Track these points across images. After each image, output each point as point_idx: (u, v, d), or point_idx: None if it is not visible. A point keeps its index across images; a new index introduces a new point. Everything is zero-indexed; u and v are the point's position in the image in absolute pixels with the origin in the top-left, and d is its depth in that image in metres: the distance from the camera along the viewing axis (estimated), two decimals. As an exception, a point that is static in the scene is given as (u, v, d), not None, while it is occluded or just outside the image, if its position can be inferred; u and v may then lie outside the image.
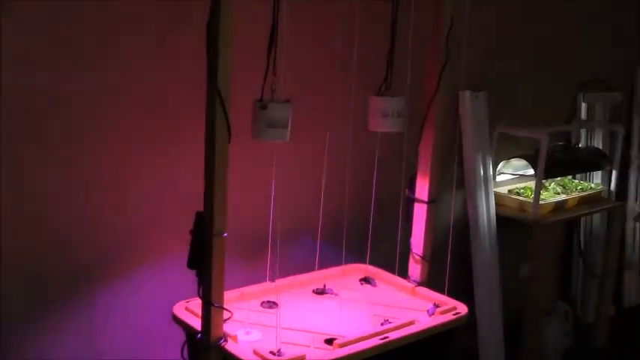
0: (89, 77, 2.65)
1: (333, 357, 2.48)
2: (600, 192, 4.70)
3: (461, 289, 3.74)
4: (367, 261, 3.30)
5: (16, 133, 2.50)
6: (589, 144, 5.06)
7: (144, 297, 2.94)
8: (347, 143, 3.11)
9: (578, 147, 4.91)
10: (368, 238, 3.26)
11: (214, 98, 2.30)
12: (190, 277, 2.52)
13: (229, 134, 2.34)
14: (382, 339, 2.62)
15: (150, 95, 2.82)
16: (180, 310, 2.72)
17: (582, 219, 5.08)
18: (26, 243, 2.60)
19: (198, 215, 2.42)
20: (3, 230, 2.53)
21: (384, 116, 2.93)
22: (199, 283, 2.45)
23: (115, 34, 2.69)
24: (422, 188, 3.13)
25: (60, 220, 2.68)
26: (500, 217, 4.18)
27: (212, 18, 2.28)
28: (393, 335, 2.66)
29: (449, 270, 3.29)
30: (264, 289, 2.98)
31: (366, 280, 3.23)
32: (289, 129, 2.53)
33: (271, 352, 2.45)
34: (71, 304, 2.75)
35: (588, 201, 4.55)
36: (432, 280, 3.19)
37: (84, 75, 2.64)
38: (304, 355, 2.44)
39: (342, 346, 2.53)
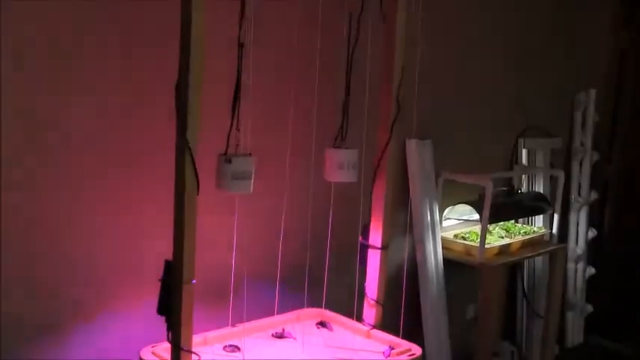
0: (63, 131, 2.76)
1: (296, 398, 2.60)
2: (542, 235, 4.86)
3: (414, 331, 3.90)
4: (323, 305, 3.40)
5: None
6: (531, 188, 5.24)
7: (111, 342, 3.00)
8: (306, 193, 3.24)
9: (521, 192, 5.08)
10: (324, 284, 3.36)
11: (184, 152, 2.43)
12: (154, 322, 2.63)
13: (198, 186, 2.46)
14: (340, 380, 2.74)
15: (119, 148, 2.92)
16: (147, 354, 2.80)
17: (526, 261, 5.23)
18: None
19: (167, 264, 2.52)
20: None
21: (340, 168, 3.07)
22: (168, 328, 2.54)
23: (83, 94, 2.80)
24: (375, 235, 3.25)
25: (28, 266, 2.74)
26: (447, 261, 4.31)
27: (180, 78, 2.42)
28: (351, 377, 2.78)
29: (403, 313, 3.42)
30: (226, 333, 3.06)
31: (322, 324, 3.33)
32: (252, 181, 2.66)
33: (237, 394, 2.56)
34: (40, 351, 2.81)
35: (531, 244, 4.71)
36: (386, 323, 3.30)
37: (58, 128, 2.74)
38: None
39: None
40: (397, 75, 3.17)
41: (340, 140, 3.16)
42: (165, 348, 2.73)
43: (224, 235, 2.92)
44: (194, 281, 2.50)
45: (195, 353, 2.58)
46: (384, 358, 2.99)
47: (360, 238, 3.31)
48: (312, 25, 3.07)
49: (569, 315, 5.69)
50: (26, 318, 2.76)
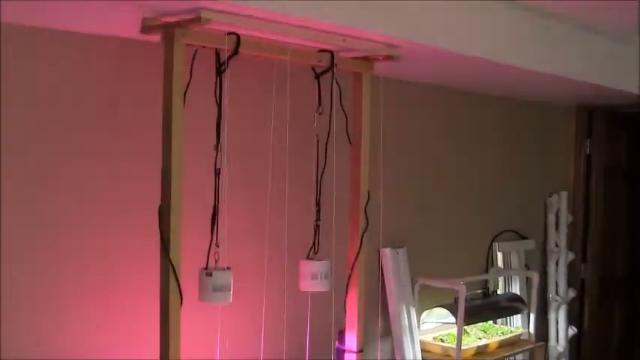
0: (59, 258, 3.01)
1: None
2: (520, 335, 5.07)
3: None
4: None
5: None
6: (508, 289, 5.46)
7: None
8: (282, 302, 3.48)
9: (497, 293, 5.30)
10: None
11: (167, 270, 2.70)
12: None
13: (181, 300, 2.73)
14: None
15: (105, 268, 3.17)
16: None
17: (506, 360, 5.43)
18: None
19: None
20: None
21: (313, 278, 3.32)
22: None
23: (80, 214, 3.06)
24: (350, 339, 3.48)
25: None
26: (426, 362, 4.54)
27: (163, 202, 2.72)
28: None
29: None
30: None
31: None
32: (231, 292, 2.90)
33: None
34: None
35: (509, 344, 4.91)
36: None
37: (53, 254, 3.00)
38: None
39: None
40: (363, 194, 3.47)
41: (313, 254, 3.41)
42: None
43: (206, 345, 3.14)
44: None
45: None
46: None
47: (336, 343, 3.54)
48: (281, 149, 3.35)
49: (553, 413, 5.87)
50: None
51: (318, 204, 3.40)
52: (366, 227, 3.45)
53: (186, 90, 2.78)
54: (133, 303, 3.21)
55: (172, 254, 2.71)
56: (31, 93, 2.90)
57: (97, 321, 3.13)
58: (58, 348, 3.02)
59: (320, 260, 3.36)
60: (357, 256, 3.44)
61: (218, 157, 2.92)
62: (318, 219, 3.41)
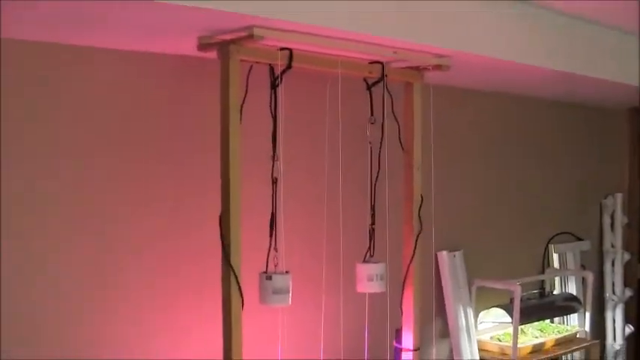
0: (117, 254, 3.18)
1: None
2: (576, 333, 5.14)
3: None
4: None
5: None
6: (563, 289, 5.54)
7: None
8: (338, 304, 3.60)
9: (553, 293, 5.38)
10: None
11: (229, 274, 2.84)
12: None
13: (242, 301, 2.87)
14: None
15: (170, 266, 3.32)
16: None
17: (563, 358, 5.50)
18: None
19: (219, 372, 2.92)
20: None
21: (369, 280, 3.44)
22: None
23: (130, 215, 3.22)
24: (407, 338, 3.61)
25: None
26: (484, 362, 4.65)
27: (223, 210, 2.86)
28: None
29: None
30: None
31: (367, 423, 3.66)
32: (290, 294, 3.03)
33: None
34: None
35: (565, 342, 5.00)
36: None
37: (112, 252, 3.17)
38: None
39: None
40: (417, 199, 3.59)
41: (369, 257, 3.53)
42: None
43: (268, 347, 3.29)
44: (244, 385, 2.87)
45: None
46: None
47: (394, 342, 3.65)
48: (336, 158, 3.47)
49: (613, 409, 5.92)
50: None
51: (372, 208, 3.52)
52: (420, 230, 3.57)
53: (243, 103, 2.91)
54: (196, 305, 3.37)
55: (233, 259, 2.85)
56: (99, 110, 3.09)
57: (160, 322, 3.29)
58: (120, 350, 3.18)
59: (376, 263, 3.47)
60: (411, 258, 3.56)
61: (275, 166, 3.05)
62: (373, 223, 3.52)
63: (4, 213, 2.81)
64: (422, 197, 3.58)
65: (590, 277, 5.25)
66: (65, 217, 2.99)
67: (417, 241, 3.57)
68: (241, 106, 2.89)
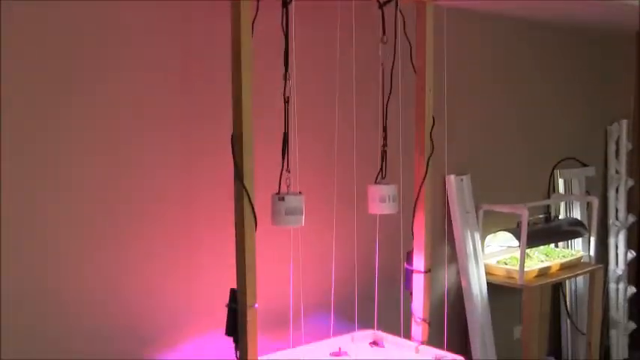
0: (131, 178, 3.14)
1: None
2: (580, 257, 5.16)
3: (459, 346, 4.22)
4: (375, 327, 3.74)
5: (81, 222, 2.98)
6: (568, 215, 5.55)
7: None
8: (351, 226, 3.60)
9: (558, 218, 5.40)
10: (375, 307, 3.70)
11: (242, 194, 2.82)
12: (223, 347, 3.02)
13: (256, 223, 2.85)
14: (393, 387, 3.09)
15: (183, 190, 3.28)
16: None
17: (567, 282, 5.53)
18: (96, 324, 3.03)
19: (233, 291, 2.90)
20: (85, 314, 2.99)
21: (382, 201, 3.43)
22: (236, 347, 2.90)
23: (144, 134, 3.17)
24: (418, 260, 3.60)
25: (122, 305, 3.10)
26: (491, 285, 4.66)
27: (236, 130, 2.82)
28: (403, 384, 3.13)
29: (447, 330, 3.75)
30: (288, 354, 3.39)
31: (375, 343, 3.67)
32: (303, 215, 3.01)
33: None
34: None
35: (570, 266, 5.02)
36: (432, 340, 3.61)
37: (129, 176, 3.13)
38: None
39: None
40: (428, 120, 3.54)
41: (381, 178, 3.52)
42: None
43: (281, 267, 3.29)
44: (256, 305, 2.86)
45: (262, 368, 2.95)
46: (431, 369, 3.33)
47: (404, 264, 3.65)
48: (349, 80, 3.44)
49: (613, 332, 5.96)
50: (102, 345, 3.07)
51: (384, 130, 3.49)
52: (432, 151, 3.53)
53: (254, 21, 2.83)
54: (209, 232, 3.36)
55: (246, 180, 2.81)
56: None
57: (174, 252, 3.27)
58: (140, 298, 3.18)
59: (387, 184, 3.46)
60: (423, 180, 3.53)
61: (287, 86, 3.00)
62: (385, 144, 3.50)
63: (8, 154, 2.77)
64: (433, 119, 3.54)
65: (596, 203, 5.25)
66: (75, 141, 2.95)
67: (428, 163, 3.54)
68: (252, 23, 2.82)
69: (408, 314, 3.66)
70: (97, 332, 3.03)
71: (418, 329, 3.62)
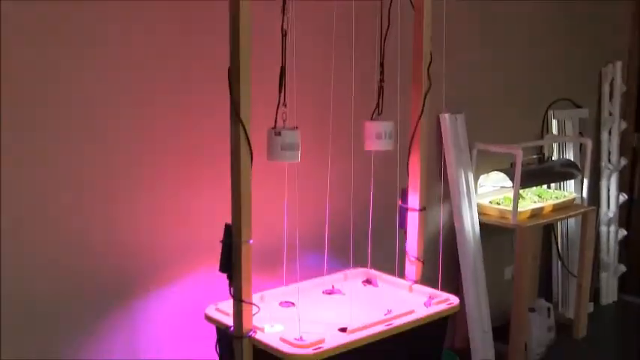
0: (121, 108, 3.08)
1: (348, 341, 2.90)
2: (573, 199, 5.14)
3: (451, 285, 4.21)
4: (368, 265, 3.72)
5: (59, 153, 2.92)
6: (562, 156, 5.52)
7: (178, 302, 3.34)
8: (348, 164, 3.56)
9: (552, 159, 5.38)
10: (368, 245, 3.68)
11: (238, 128, 2.76)
12: (216, 284, 3.00)
13: (251, 157, 2.80)
14: (387, 325, 3.05)
15: (175, 125, 3.23)
16: (211, 311, 3.15)
17: (559, 224, 5.53)
18: (87, 260, 3.02)
19: (227, 226, 2.85)
20: (72, 252, 2.96)
21: (378, 138, 3.38)
22: (230, 284, 2.86)
23: (141, 69, 3.11)
24: (413, 198, 3.57)
25: (107, 239, 3.07)
26: (483, 225, 4.64)
27: (232, 64, 2.75)
28: (397, 322, 3.09)
29: (441, 269, 3.74)
30: (281, 291, 3.39)
31: (368, 282, 3.65)
32: (300, 151, 2.96)
33: (295, 339, 2.87)
34: (116, 311, 3.14)
35: (563, 207, 5.00)
36: (425, 279, 3.60)
37: (117, 108, 3.07)
38: (324, 339, 2.87)
39: (354, 332, 2.96)
40: (426, 56, 3.47)
41: (377, 115, 3.47)
42: (227, 305, 3.06)
43: (276, 205, 3.25)
44: (251, 241, 2.81)
45: (255, 305, 2.91)
46: (425, 307, 3.30)
47: (399, 202, 3.62)
48: (347, 15, 3.37)
49: (604, 275, 5.98)
50: (104, 280, 3.09)
51: (382, 65, 3.43)
52: (429, 88, 3.48)
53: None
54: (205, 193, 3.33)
55: (242, 113, 2.75)
56: None
57: (170, 186, 3.25)
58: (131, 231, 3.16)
59: (384, 120, 3.41)
60: (420, 116, 3.48)
61: (284, 19, 2.92)
62: (382, 80, 3.44)
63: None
64: (431, 56, 3.48)
65: (589, 144, 5.21)
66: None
67: (425, 99, 3.49)
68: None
69: (404, 254, 3.63)
70: (92, 268, 3.03)
71: (412, 268, 3.60)
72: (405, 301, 3.40)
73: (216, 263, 2.87)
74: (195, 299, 3.34)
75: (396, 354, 3.18)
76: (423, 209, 3.55)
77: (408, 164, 3.56)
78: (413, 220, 3.58)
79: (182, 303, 3.34)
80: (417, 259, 3.58)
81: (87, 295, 3.04)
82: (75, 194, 2.95)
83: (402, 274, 3.65)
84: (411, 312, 3.21)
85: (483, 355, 4.55)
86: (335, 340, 2.90)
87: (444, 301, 3.36)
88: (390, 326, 3.06)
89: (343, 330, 2.99)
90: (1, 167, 2.72)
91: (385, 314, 3.17)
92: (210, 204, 3.31)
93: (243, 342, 2.88)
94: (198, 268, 3.36)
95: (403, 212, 3.60)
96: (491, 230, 4.70)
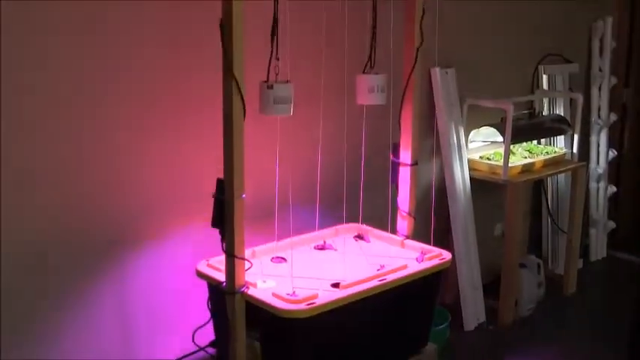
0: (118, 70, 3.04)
1: (341, 296, 2.90)
2: (564, 155, 5.12)
3: (443, 241, 4.19)
4: (360, 221, 3.70)
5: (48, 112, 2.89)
6: (552, 112, 5.49)
7: (169, 258, 3.32)
8: (340, 117, 3.52)
9: (542, 114, 5.35)
10: (360, 200, 3.66)
11: (231, 82, 2.71)
12: (206, 240, 2.99)
13: (244, 111, 2.76)
14: (380, 280, 3.05)
15: (170, 78, 3.20)
16: (203, 267, 3.14)
17: (549, 180, 5.52)
18: (68, 214, 2.99)
19: (219, 181, 2.82)
20: (50, 204, 2.93)
21: (370, 91, 3.34)
22: (222, 240, 2.85)
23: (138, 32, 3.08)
24: (405, 153, 3.55)
25: (95, 192, 3.05)
26: (474, 180, 4.63)
27: (225, 18, 2.70)
28: (390, 277, 3.09)
29: (433, 224, 3.72)
30: (272, 247, 3.36)
31: (359, 237, 3.64)
32: (292, 104, 2.93)
33: (288, 295, 2.87)
34: (105, 265, 3.12)
35: (553, 163, 4.99)
36: (416, 235, 3.60)
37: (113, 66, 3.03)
38: (317, 294, 2.86)
39: (347, 287, 2.96)
40: (419, 9, 3.44)
41: (370, 68, 3.43)
42: (218, 261, 3.05)
43: (267, 160, 3.21)
44: (244, 196, 2.79)
45: (248, 260, 2.89)
46: (417, 262, 3.29)
47: (391, 157, 3.59)
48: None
49: (593, 231, 5.97)
50: (94, 233, 3.07)
51: (374, 19, 3.39)
52: (422, 42, 3.44)
53: None
54: (197, 120, 3.31)
55: (236, 68, 2.70)
56: None
57: (162, 141, 3.23)
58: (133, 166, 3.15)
59: (376, 74, 3.37)
60: (412, 69, 3.45)
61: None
62: (374, 26, 3.40)
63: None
64: (423, 10, 3.44)
65: (580, 100, 5.18)
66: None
67: (417, 54, 3.45)
68: None
69: (395, 209, 3.63)
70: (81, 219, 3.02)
71: (403, 223, 3.60)
72: (398, 256, 3.40)
73: (209, 218, 2.86)
74: (186, 254, 3.34)
75: (389, 309, 3.17)
76: (414, 164, 3.53)
77: (400, 119, 3.53)
78: (405, 175, 3.56)
79: (173, 257, 3.33)
80: (409, 214, 3.56)
81: (74, 247, 3.02)
82: (71, 147, 2.94)
83: (393, 230, 3.63)
84: (404, 267, 3.20)
85: (474, 311, 4.55)
86: (328, 296, 2.90)
87: (436, 257, 3.35)
88: (384, 281, 3.05)
89: (336, 285, 2.98)
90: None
91: (378, 269, 3.16)
92: (201, 154, 3.30)
93: (236, 298, 2.86)
94: (189, 222, 3.34)
95: (395, 167, 3.58)
96: (482, 186, 4.68)
